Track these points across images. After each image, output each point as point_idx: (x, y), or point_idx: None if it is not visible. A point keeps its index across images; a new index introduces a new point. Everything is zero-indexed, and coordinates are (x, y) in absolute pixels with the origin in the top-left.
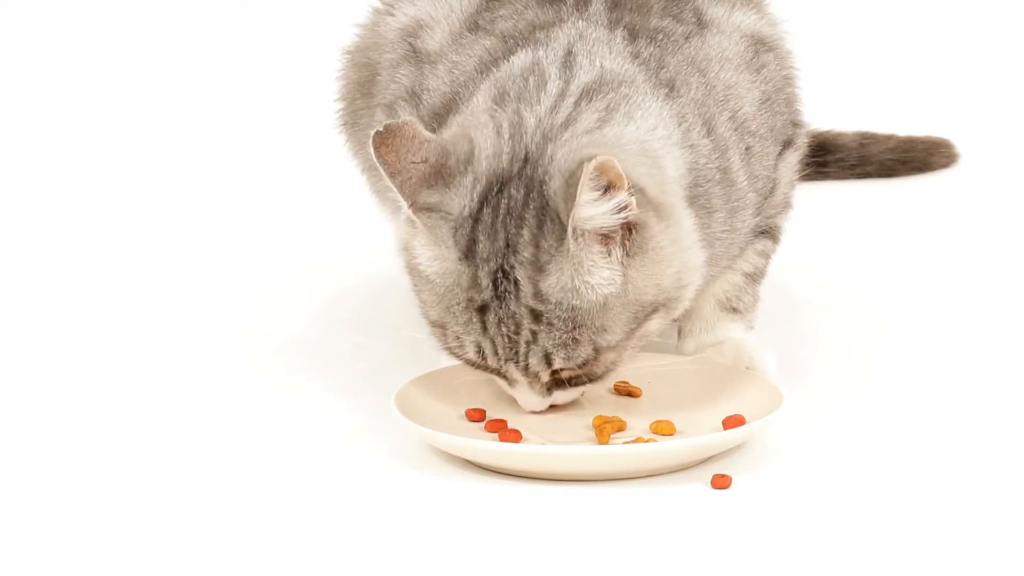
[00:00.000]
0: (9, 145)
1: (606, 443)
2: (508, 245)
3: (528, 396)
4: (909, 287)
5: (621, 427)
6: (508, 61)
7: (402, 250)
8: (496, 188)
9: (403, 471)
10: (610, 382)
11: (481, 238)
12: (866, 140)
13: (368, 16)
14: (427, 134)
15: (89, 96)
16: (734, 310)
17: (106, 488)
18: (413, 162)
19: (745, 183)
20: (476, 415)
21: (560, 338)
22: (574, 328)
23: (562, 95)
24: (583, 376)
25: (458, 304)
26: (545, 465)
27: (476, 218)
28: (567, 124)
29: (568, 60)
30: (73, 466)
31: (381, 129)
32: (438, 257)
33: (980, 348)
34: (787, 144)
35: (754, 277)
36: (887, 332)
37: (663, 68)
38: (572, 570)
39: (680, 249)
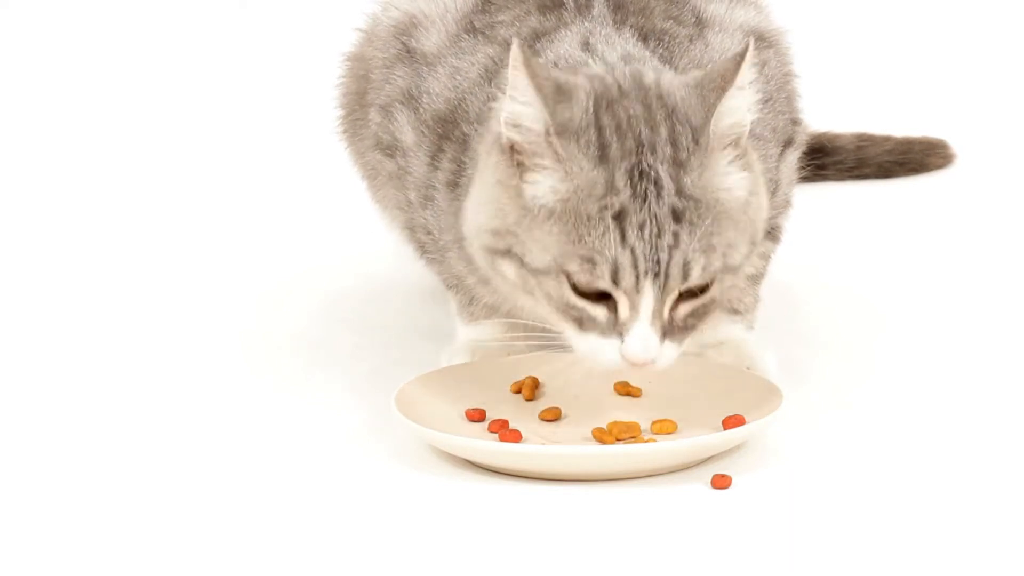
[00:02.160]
0: (9, 145)
1: (606, 443)
2: (642, 145)
3: (645, 337)
4: (907, 287)
5: (635, 433)
6: None
7: (488, 222)
8: (605, 104)
9: (403, 471)
10: (704, 327)
11: (612, 141)
12: (863, 142)
13: (367, 21)
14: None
15: (90, 98)
16: (735, 311)
17: (105, 488)
18: (547, 80)
19: None
20: (476, 415)
21: (700, 243)
22: (712, 234)
23: (607, 64)
24: (699, 311)
25: (590, 219)
26: (545, 465)
27: (598, 125)
28: (639, 72)
29: (588, 46)
30: (72, 466)
31: (525, 54)
32: (566, 177)
33: (978, 348)
34: (788, 143)
35: (755, 278)
36: (886, 332)
37: (675, 69)
38: (572, 570)
39: (766, 193)
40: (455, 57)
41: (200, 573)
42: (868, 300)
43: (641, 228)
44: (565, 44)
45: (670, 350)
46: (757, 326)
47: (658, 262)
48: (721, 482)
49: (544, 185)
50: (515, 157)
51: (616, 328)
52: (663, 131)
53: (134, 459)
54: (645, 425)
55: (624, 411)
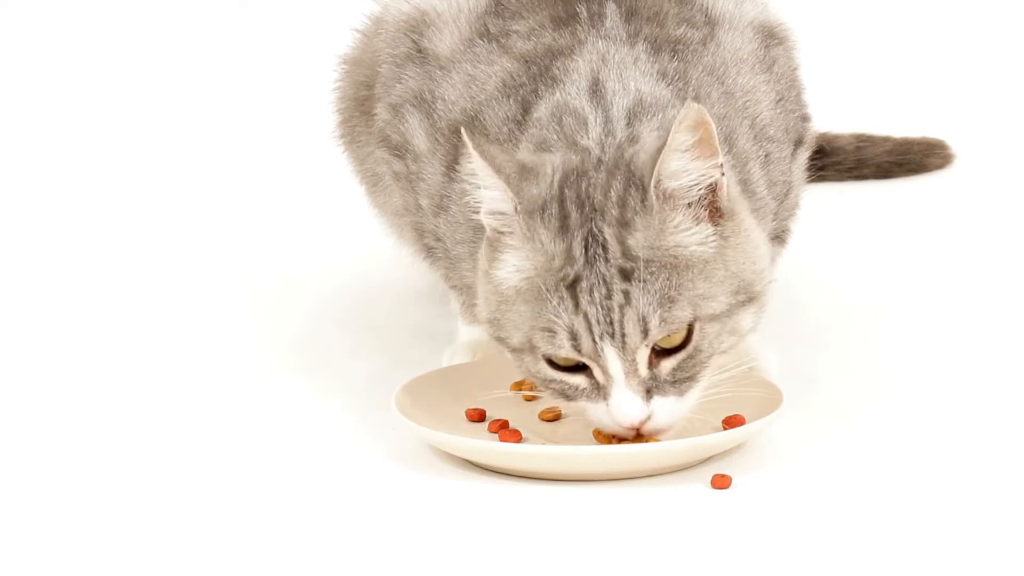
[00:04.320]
0: (9, 145)
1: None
2: (595, 209)
3: (625, 399)
4: (907, 288)
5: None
6: (531, 115)
7: (487, 314)
8: (574, 176)
9: (403, 471)
10: (706, 382)
11: (571, 211)
12: (863, 143)
13: (365, 24)
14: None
15: (91, 98)
16: None
17: (105, 488)
18: (507, 161)
19: (764, 191)
20: (476, 415)
21: (655, 297)
22: (669, 288)
23: (608, 121)
24: (687, 366)
25: (548, 292)
26: (545, 465)
27: (560, 197)
28: (632, 140)
29: (596, 90)
30: (71, 466)
31: (477, 141)
32: (531, 253)
33: (978, 348)
34: (798, 143)
35: None
36: (886, 332)
37: (688, 84)
38: (572, 570)
39: (763, 243)
40: (471, 64)
41: (200, 573)
42: (868, 300)
43: (591, 292)
44: (573, 88)
45: (666, 405)
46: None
47: (611, 323)
48: (721, 482)
49: (510, 265)
50: (493, 244)
51: (600, 393)
52: (613, 194)
53: (133, 459)
54: None
55: None
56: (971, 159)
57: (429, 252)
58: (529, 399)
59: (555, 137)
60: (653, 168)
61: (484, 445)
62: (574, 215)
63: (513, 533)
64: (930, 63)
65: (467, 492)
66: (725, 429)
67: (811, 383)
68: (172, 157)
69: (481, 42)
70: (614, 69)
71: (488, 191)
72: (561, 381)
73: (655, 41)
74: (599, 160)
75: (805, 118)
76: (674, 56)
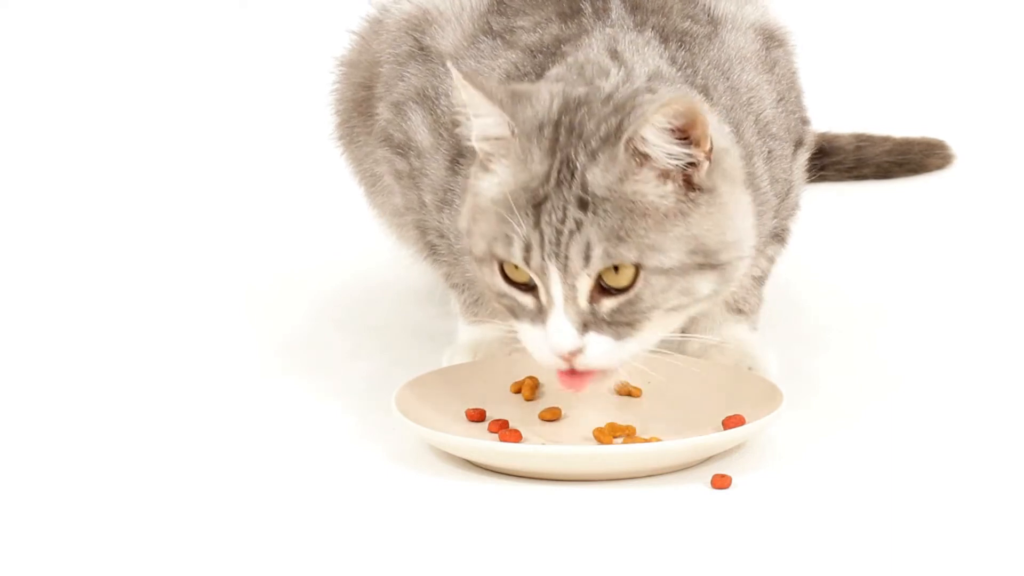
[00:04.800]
0: (8, 145)
1: (606, 443)
2: (580, 137)
3: (560, 325)
4: (907, 288)
5: (631, 433)
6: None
7: (463, 224)
8: (575, 103)
9: (403, 471)
10: (649, 336)
11: (563, 134)
12: (862, 142)
13: (362, 26)
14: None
15: (90, 98)
16: (739, 311)
17: (104, 488)
18: (497, 88)
19: (767, 187)
20: (476, 415)
21: (604, 231)
22: (620, 227)
23: (630, 77)
24: (627, 311)
25: (519, 206)
26: (545, 465)
27: (557, 122)
28: (651, 91)
29: (617, 56)
30: (70, 467)
31: (467, 74)
32: (515, 171)
33: (978, 348)
34: (799, 144)
35: (760, 279)
36: (886, 332)
37: (697, 73)
38: (572, 570)
39: (743, 215)
40: (475, 60)
41: (200, 573)
42: (868, 300)
43: (551, 214)
44: (593, 50)
45: (600, 344)
46: (758, 326)
47: (559, 244)
48: (721, 482)
49: (496, 178)
50: (484, 164)
51: (541, 317)
52: (603, 129)
53: (132, 460)
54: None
55: (624, 411)
56: (971, 160)
57: (431, 250)
58: (529, 399)
59: (575, 77)
60: (635, 125)
61: (484, 445)
62: (563, 139)
63: (513, 533)
64: (931, 63)
65: (467, 492)
66: (725, 429)
67: (811, 383)
68: (171, 158)
69: (485, 39)
70: (628, 47)
71: (481, 119)
72: (512, 297)
73: (662, 30)
74: (609, 96)
75: (805, 121)
76: (681, 46)
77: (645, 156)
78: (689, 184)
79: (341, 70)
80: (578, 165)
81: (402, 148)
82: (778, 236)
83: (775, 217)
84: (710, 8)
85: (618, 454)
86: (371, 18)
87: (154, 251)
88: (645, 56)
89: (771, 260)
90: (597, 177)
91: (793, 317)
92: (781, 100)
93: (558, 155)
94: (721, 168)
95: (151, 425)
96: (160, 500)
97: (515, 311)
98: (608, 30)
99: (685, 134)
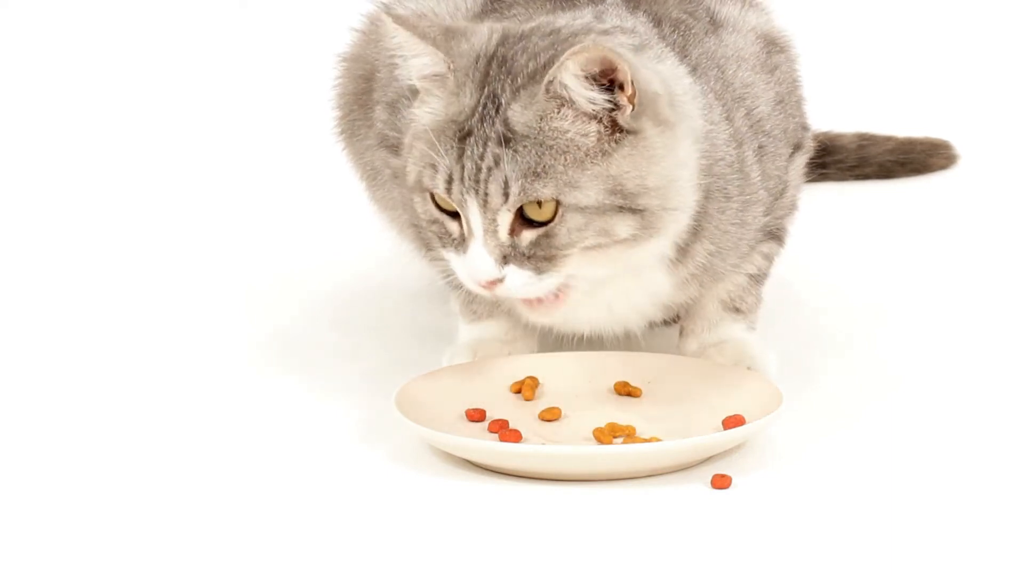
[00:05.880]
0: (8, 145)
1: (606, 443)
2: (508, 72)
3: (479, 256)
4: (908, 288)
5: (631, 433)
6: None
7: (404, 152)
8: (517, 36)
9: (403, 471)
10: (570, 272)
11: (494, 68)
12: (865, 141)
13: (364, 23)
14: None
15: (90, 98)
16: (737, 310)
17: (104, 488)
18: (430, 27)
19: (758, 179)
20: (476, 415)
21: (522, 168)
22: (539, 164)
23: (598, 17)
24: (544, 246)
25: (446, 136)
26: (545, 465)
27: (492, 55)
28: (605, 33)
29: (599, 13)
30: (70, 467)
31: (397, 17)
32: (449, 103)
33: (979, 348)
34: (797, 147)
35: (758, 278)
36: (887, 333)
37: (687, 56)
38: (572, 570)
39: (674, 164)
40: None
41: (200, 573)
42: (868, 301)
43: (473, 148)
44: (575, 13)
45: (520, 275)
46: (758, 326)
47: (477, 180)
48: (721, 482)
49: (429, 107)
50: (423, 97)
51: (464, 246)
52: (531, 65)
53: (132, 460)
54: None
55: (624, 411)
56: (974, 160)
57: (429, 246)
58: (529, 399)
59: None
60: (553, 70)
61: (484, 445)
62: (493, 72)
63: (513, 533)
64: (934, 63)
65: (467, 492)
66: (725, 429)
67: (811, 383)
68: (171, 158)
69: None
70: (612, 18)
71: (417, 59)
72: (441, 223)
73: (656, 15)
74: (555, 30)
75: (805, 127)
76: (675, 30)
77: (565, 100)
78: (615, 126)
79: (343, 65)
80: (502, 101)
81: (397, 147)
82: (774, 235)
83: (768, 214)
84: (713, 11)
85: (618, 454)
86: (373, 16)
87: (154, 250)
88: (626, 21)
89: (768, 258)
90: (517, 114)
91: (793, 317)
92: (780, 103)
93: (485, 89)
94: (652, 111)
95: (149, 425)
96: (159, 501)
97: (443, 239)
98: (599, 8)
99: (607, 79)
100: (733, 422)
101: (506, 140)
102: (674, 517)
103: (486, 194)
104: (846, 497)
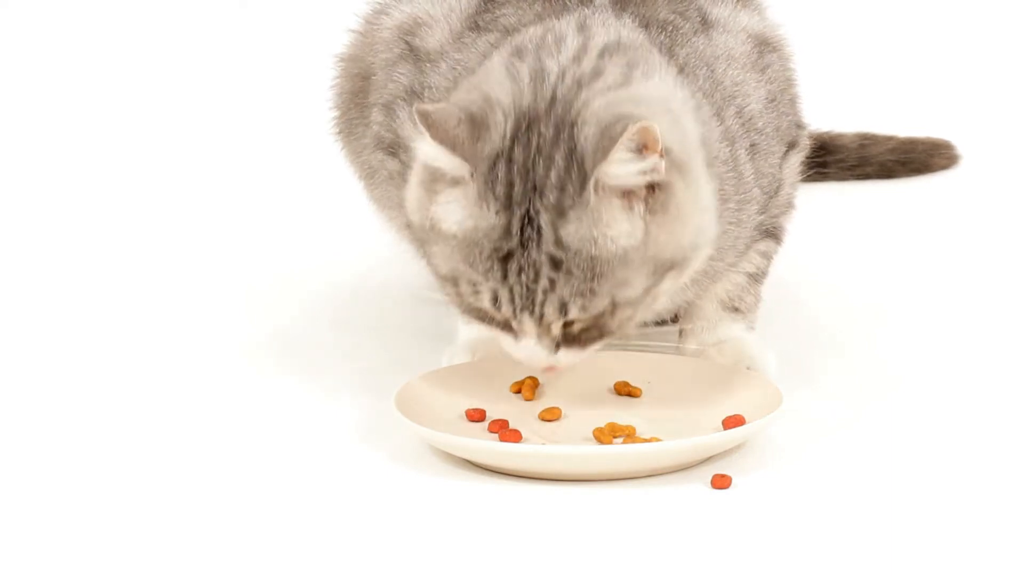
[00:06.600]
0: (8, 145)
1: (606, 443)
2: (535, 188)
3: (534, 350)
4: (909, 288)
5: (631, 433)
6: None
7: (411, 215)
8: (525, 125)
9: (403, 471)
10: (618, 336)
11: (516, 180)
12: (866, 141)
13: (361, 24)
14: (444, 104)
15: (90, 97)
16: (736, 310)
17: (104, 488)
18: (457, 128)
19: (751, 177)
20: (476, 415)
21: (578, 288)
22: (593, 279)
23: (584, 49)
24: (595, 331)
25: (482, 253)
26: (545, 465)
27: (509, 158)
28: (596, 74)
29: (583, 26)
30: (70, 467)
31: (423, 114)
32: (473, 214)
33: (980, 348)
34: (791, 145)
35: (756, 277)
36: (887, 333)
37: (673, 56)
38: (572, 570)
39: (698, 209)
40: (457, 51)
41: (199, 573)
42: (869, 301)
43: (519, 273)
44: (562, 23)
45: (570, 355)
46: (757, 325)
47: (533, 303)
48: (721, 482)
49: (454, 213)
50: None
51: (514, 334)
52: (555, 174)
53: (131, 461)
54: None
55: (624, 411)
56: (976, 160)
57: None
58: (529, 399)
59: (531, 48)
60: (596, 163)
61: (484, 445)
62: (517, 187)
63: (513, 533)
64: (935, 63)
65: (467, 492)
66: (725, 429)
67: (811, 383)
68: (170, 157)
69: (470, 34)
70: (600, 20)
71: (437, 161)
72: (481, 311)
73: (643, 17)
74: (551, 101)
75: (800, 125)
76: (661, 31)
77: (614, 189)
78: (650, 190)
79: (341, 65)
80: (543, 223)
81: (393, 148)
82: (771, 233)
83: (763, 213)
84: (704, 11)
85: (618, 454)
86: (370, 16)
87: (153, 250)
88: (610, 28)
89: (766, 257)
90: (571, 232)
91: (793, 317)
92: (772, 101)
93: (515, 210)
94: (670, 158)
95: (148, 426)
96: (158, 502)
97: (485, 321)
98: (586, 10)
99: (644, 147)
100: (733, 422)
101: (559, 263)
102: (674, 517)
103: (542, 315)
104: (846, 497)
